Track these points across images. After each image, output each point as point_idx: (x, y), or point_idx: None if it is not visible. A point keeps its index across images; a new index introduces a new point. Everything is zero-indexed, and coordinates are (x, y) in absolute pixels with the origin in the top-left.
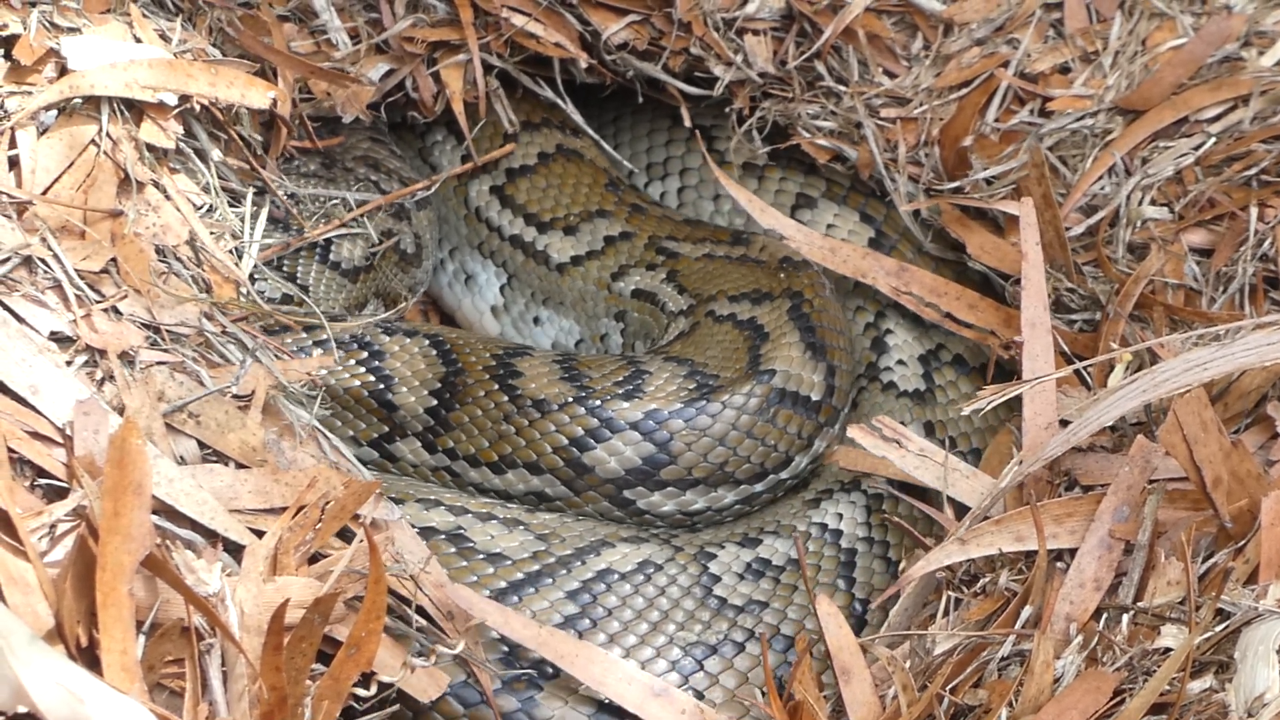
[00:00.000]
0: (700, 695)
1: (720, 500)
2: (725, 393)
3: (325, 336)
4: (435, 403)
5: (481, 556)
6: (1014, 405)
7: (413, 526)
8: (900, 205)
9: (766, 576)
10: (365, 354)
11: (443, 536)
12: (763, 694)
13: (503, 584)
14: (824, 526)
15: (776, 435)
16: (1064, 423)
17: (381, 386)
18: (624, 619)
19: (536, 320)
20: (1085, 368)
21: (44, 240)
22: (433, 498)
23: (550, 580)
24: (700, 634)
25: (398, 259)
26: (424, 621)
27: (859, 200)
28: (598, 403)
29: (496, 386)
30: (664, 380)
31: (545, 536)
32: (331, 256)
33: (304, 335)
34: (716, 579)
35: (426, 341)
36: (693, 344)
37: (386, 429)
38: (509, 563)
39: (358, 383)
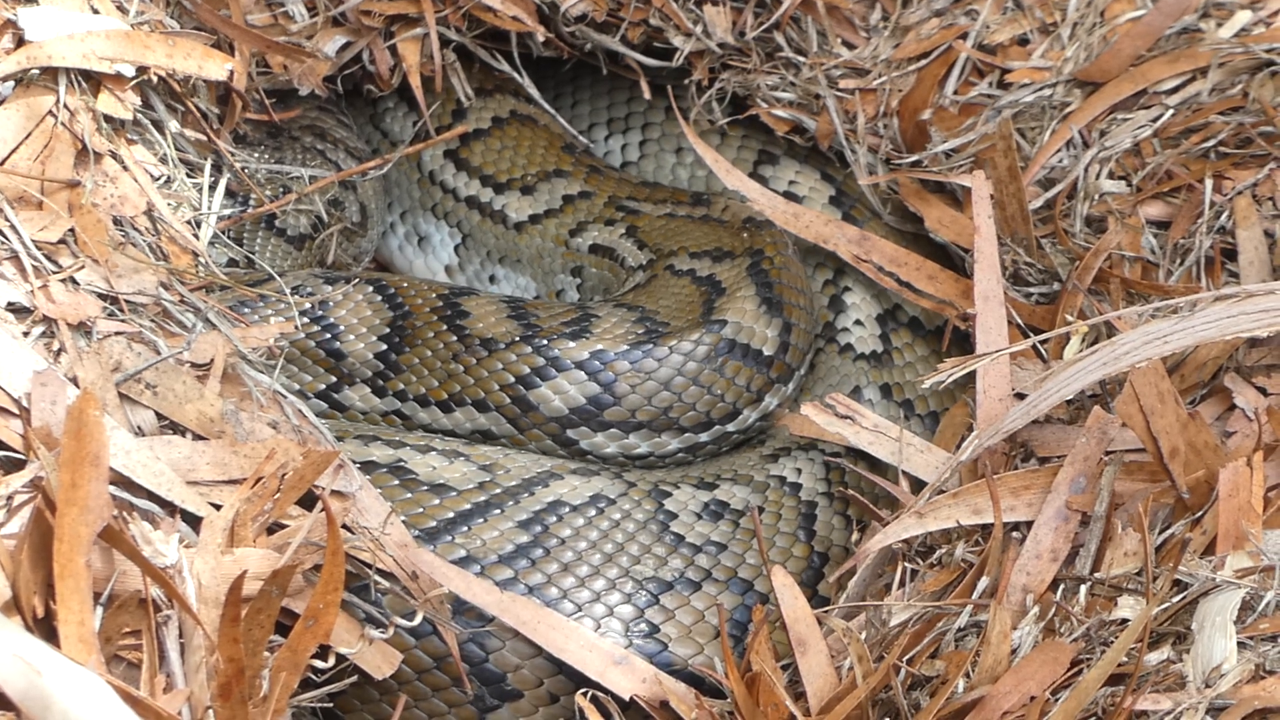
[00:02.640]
0: (655, 629)
1: (664, 446)
2: (673, 338)
3: (285, 305)
4: (385, 347)
5: (426, 488)
6: (970, 375)
7: (353, 462)
8: (860, 177)
9: (725, 519)
10: (308, 305)
11: (384, 469)
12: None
13: (450, 514)
14: (782, 479)
15: (724, 386)
16: (1019, 395)
17: (328, 336)
18: (578, 549)
19: (492, 279)
20: (1042, 341)
21: (0, 211)
22: (370, 433)
23: (499, 510)
24: (656, 569)
25: (343, 228)
26: (386, 583)
27: (820, 160)
28: (544, 342)
29: (445, 327)
30: (612, 324)
31: (488, 467)
32: (277, 224)
33: (261, 304)
34: (673, 515)
35: (370, 288)
36: (646, 293)
37: (334, 379)
38: (454, 493)
39: (303, 335)
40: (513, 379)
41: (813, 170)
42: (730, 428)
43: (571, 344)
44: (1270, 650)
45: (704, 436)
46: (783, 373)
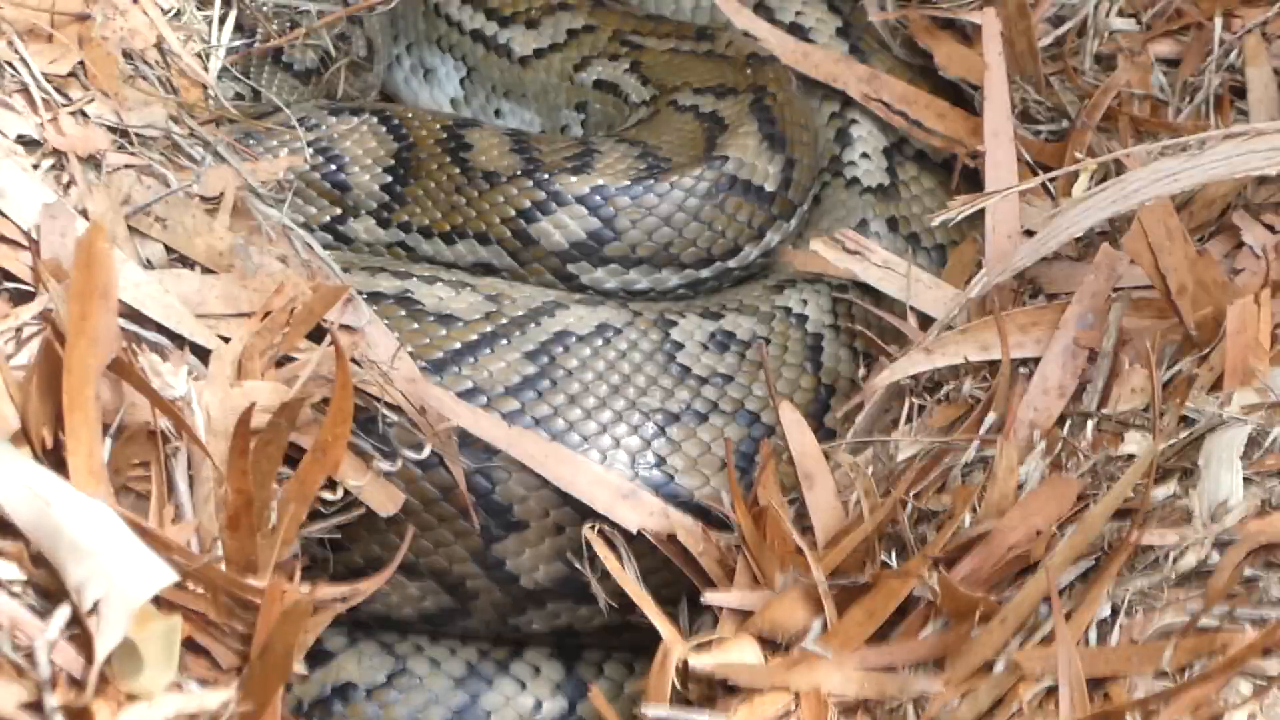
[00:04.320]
0: (662, 461)
1: (664, 282)
2: (675, 174)
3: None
4: (389, 179)
5: (432, 319)
6: (979, 212)
7: (360, 294)
8: (870, 13)
9: (731, 350)
10: (313, 137)
11: (390, 300)
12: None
13: (457, 345)
14: (788, 310)
15: (725, 222)
16: (1029, 233)
17: (334, 168)
18: (585, 380)
19: (498, 113)
20: (1051, 179)
21: (11, 44)
22: (376, 264)
23: (506, 341)
24: (663, 401)
25: (350, 62)
26: (394, 417)
27: None
28: (545, 176)
29: (449, 159)
30: (614, 159)
31: (494, 297)
32: (284, 58)
33: (269, 137)
34: (679, 346)
35: (376, 119)
36: (649, 129)
37: (339, 211)
38: (461, 324)
39: (310, 167)
40: (514, 213)
41: (821, 3)
42: (732, 264)
43: (573, 178)
44: (1276, 486)
45: (705, 273)
46: (785, 208)
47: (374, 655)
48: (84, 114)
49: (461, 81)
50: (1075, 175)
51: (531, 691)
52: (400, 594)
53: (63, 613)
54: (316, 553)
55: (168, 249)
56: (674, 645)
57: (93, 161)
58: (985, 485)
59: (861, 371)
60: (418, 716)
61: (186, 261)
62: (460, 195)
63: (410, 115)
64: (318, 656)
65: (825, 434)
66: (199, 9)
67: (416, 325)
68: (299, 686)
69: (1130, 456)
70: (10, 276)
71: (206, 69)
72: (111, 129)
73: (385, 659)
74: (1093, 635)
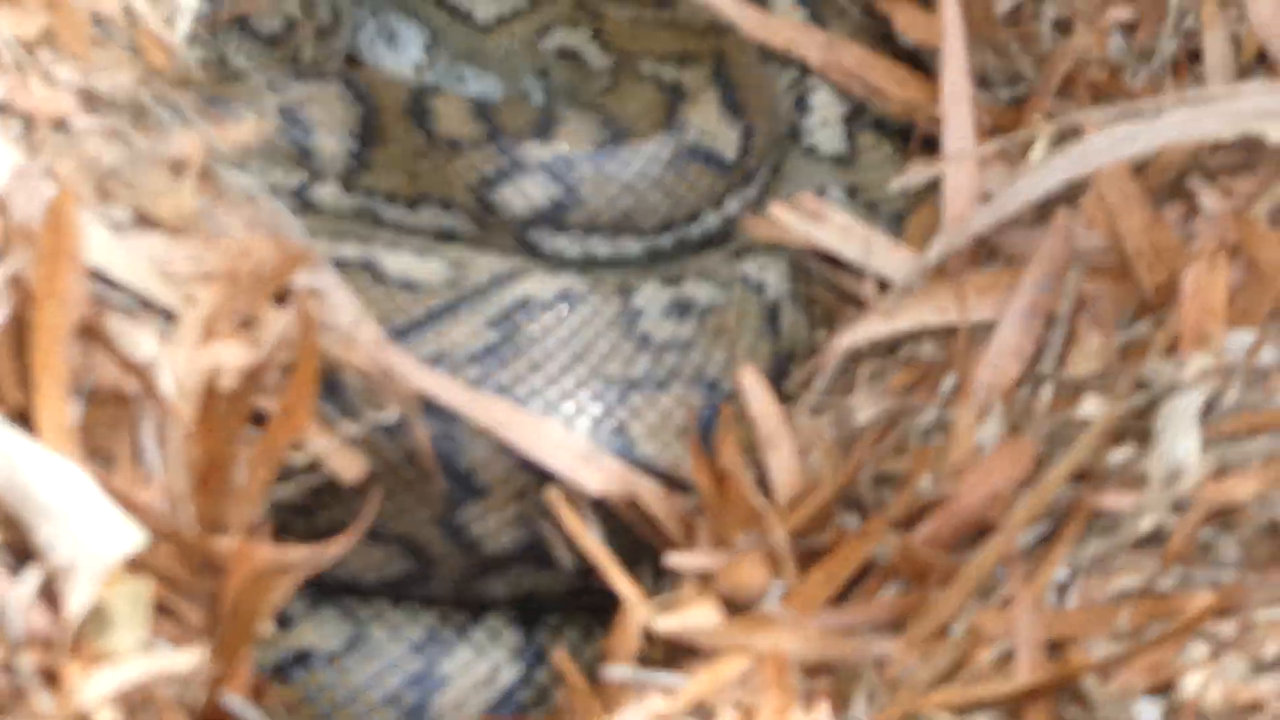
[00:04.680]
0: (624, 426)
1: (626, 249)
2: (636, 141)
3: (258, 102)
4: (355, 144)
5: (396, 285)
6: (935, 182)
7: (333, 265)
8: None
9: (691, 316)
10: (279, 102)
11: (355, 266)
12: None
13: (421, 311)
14: (746, 278)
15: (686, 189)
16: (987, 197)
17: (300, 133)
18: (548, 347)
19: (460, 78)
20: (1006, 145)
21: None
22: (342, 230)
23: (469, 307)
24: (624, 367)
25: (315, 27)
26: (359, 382)
27: None
28: (507, 143)
29: (413, 125)
30: (576, 126)
31: (457, 264)
32: (251, 24)
33: (235, 102)
34: (639, 312)
35: (340, 85)
36: (611, 96)
37: (305, 175)
38: (424, 291)
39: (276, 132)
40: (476, 179)
41: None
42: (692, 229)
43: (535, 145)
44: (1232, 449)
45: (666, 240)
46: (744, 176)
47: (334, 621)
48: (51, 77)
49: (425, 48)
50: (1033, 140)
51: (490, 656)
52: (363, 559)
53: (31, 577)
54: (284, 519)
55: (136, 212)
56: (636, 607)
57: (61, 125)
58: (943, 448)
59: (821, 335)
60: (375, 683)
61: (153, 224)
62: (425, 160)
63: (375, 81)
64: (278, 622)
65: (784, 399)
66: None
67: (381, 291)
68: (259, 652)
69: (1087, 420)
70: None
71: (174, 33)
72: (79, 92)
73: (345, 625)
74: (1050, 598)
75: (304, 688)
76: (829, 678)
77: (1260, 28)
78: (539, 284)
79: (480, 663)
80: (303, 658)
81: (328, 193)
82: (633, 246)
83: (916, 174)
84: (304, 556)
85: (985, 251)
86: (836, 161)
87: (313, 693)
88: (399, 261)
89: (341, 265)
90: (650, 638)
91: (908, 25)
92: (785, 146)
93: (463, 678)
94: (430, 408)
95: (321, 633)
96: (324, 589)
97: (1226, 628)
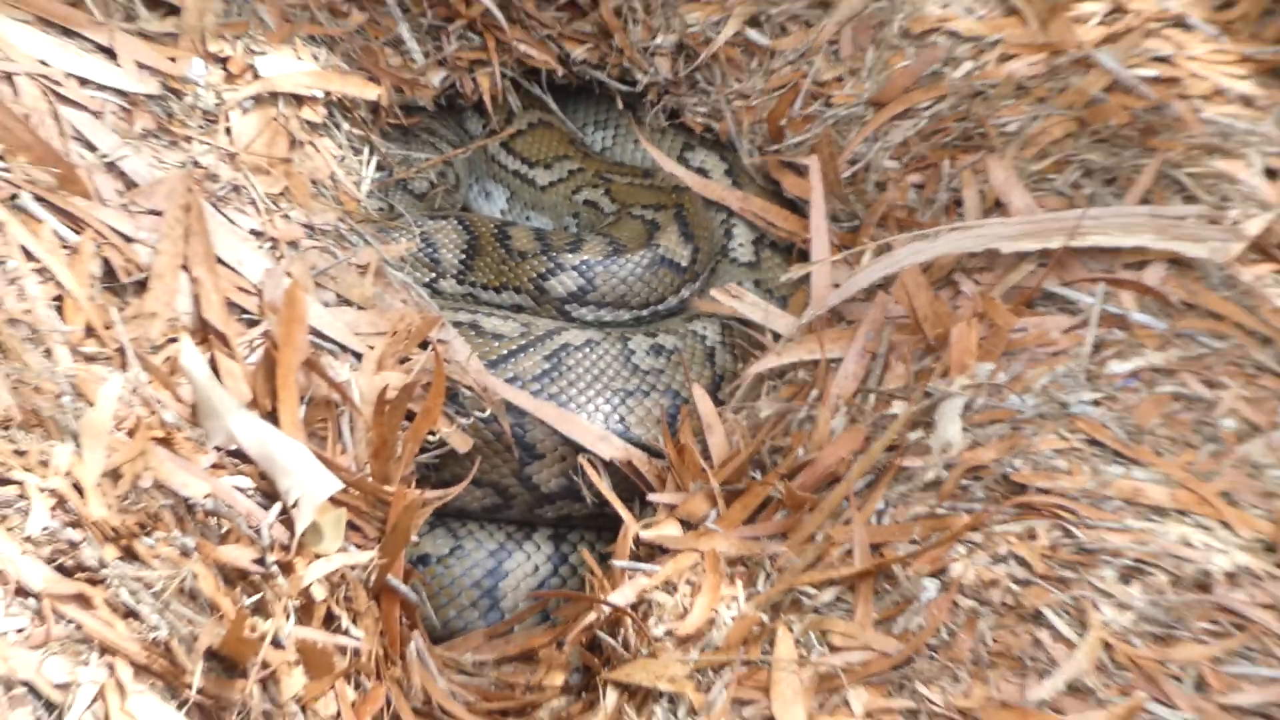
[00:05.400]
0: (623, 419)
1: (621, 317)
2: (628, 254)
3: (408, 232)
4: (464, 256)
5: (489, 336)
6: (807, 276)
7: (453, 325)
8: (744, 159)
9: (663, 355)
10: (421, 231)
11: (465, 326)
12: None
13: (504, 352)
14: (695, 333)
15: (658, 283)
16: (837, 285)
17: (431, 249)
18: (578, 373)
19: (527, 218)
20: (849, 254)
21: (246, 176)
22: (456, 306)
23: (531, 349)
24: (624, 384)
25: (445, 188)
26: (468, 392)
27: (720, 149)
28: (554, 253)
29: (498, 244)
30: (594, 245)
31: (525, 325)
32: (407, 185)
33: (398, 235)
34: (633, 352)
35: (456, 221)
36: (615, 228)
37: (434, 275)
38: (506, 339)
39: (418, 250)
40: (535, 275)
41: (715, 155)
42: (660, 307)
43: (570, 255)
44: (981, 432)
45: (645, 312)
46: (693, 277)
47: (443, 535)
48: (288, 216)
49: (507, 199)
50: (863, 252)
51: (534, 559)
52: (469, 496)
53: (276, 507)
54: (424, 473)
55: (337, 295)
56: (631, 525)
57: (293, 244)
58: (811, 432)
59: (740, 367)
60: (466, 575)
61: (348, 302)
62: (505, 265)
63: (476, 220)
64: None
65: (718, 404)
66: (354, 154)
67: (480, 340)
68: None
69: (895, 415)
70: (245, 311)
71: (360, 191)
72: (304, 225)
73: (449, 538)
74: (873, 519)
75: (425, 576)
76: (743, 567)
77: (997, 186)
78: (574, 335)
79: (529, 563)
80: (424, 558)
81: (447, 285)
82: (626, 316)
83: (797, 272)
84: (435, 496)
85: (836, 317)
86: (749, 266)
87: (430, 579)
88: (490, 323)
89: (457, 325)
90: (639, 543)
91: (791, 186)
92: (718, 258)
93: (518, 571)
94: (509, 408)
95: (435, 543)
96: (438, 514)
97: (976, 536)
